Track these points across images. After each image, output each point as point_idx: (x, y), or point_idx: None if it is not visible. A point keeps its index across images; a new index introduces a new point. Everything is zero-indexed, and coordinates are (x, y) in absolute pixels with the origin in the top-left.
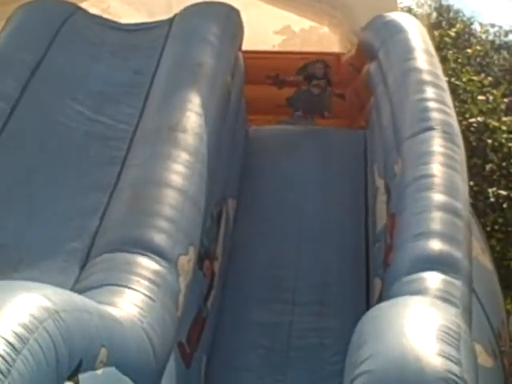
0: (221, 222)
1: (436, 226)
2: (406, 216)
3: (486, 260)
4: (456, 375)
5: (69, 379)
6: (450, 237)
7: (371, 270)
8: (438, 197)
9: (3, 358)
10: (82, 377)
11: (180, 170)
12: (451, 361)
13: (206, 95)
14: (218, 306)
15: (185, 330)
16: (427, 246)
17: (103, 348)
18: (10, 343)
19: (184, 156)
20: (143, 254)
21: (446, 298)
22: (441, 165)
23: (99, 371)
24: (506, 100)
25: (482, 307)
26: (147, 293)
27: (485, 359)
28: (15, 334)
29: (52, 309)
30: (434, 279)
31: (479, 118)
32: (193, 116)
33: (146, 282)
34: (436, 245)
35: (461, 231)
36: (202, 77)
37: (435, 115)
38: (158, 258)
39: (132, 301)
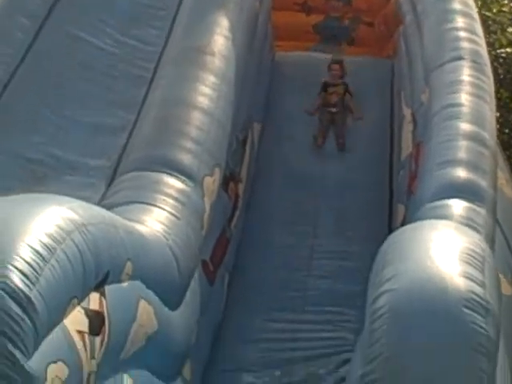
0: (246, 146)
1: (462, 154)
2: (432, 144)
3: (510, 191)
4: (479, 296)
5: (95, 290)
6: (475, 165)
7: (394, 197)
8: (464, 126)
9: (31, 266)
10: (108, 288)
11: (207, 92)
12: (475, 282)
13: (234, 19)
14: (241, 227)
15: (209, 248)
16: (452, 174)
17: (129, 262)
18: (38, 252)
19: (211, 78)
20: (169, 174)
21: (469, 224)
22: (469, 94)
23: (124, 284)
24: None
25: (505, 237)
26: (173, 211)
27: (506, 288)
28: (43, 244)
29: (79, 221)
30: (458, 206)
31: (508, 49)
32: (221, 39)
33: (171, 201)
34: (461, 173)
35: (487, 160)
36: (230, 1)
37: (465, 45)
38: (183, 178)
39: (158, 218)
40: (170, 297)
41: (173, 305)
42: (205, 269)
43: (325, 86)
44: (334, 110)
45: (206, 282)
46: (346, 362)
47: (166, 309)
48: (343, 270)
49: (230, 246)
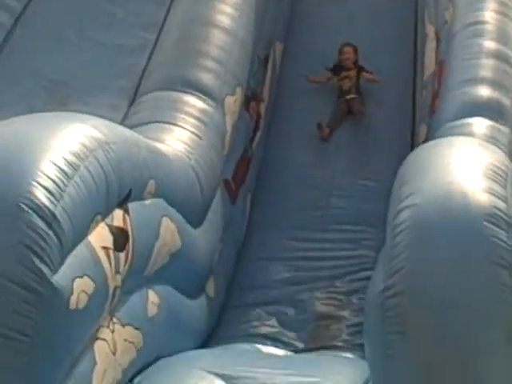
0: (268, 65)
1: (485, 72)
2: (455, 62)
3: None
4: (502, 211)
5: (118, 207)
6: (498, 83)
7: (417, 117)
8: (488, 43)
9: (55, 183)
10: (131, 205)
11: (228, 11)
12: (498, 197)
13: None
14: (263, 147)
15: (231, 168)
16: (475, 92)
17: (151, 180)
18: (61, 170)
19: None
20: (191, 93)
21: (492, 142)
22: (494, 12)
23: (147, 201)
24: None
25: None
26: (195, 131)
27: None
28: (66, 161)
29: (102, 139)
30: (480, 124)
31: None
32: None
33: (193, 121)
34: (484, 91)
35: (511, 79)
36: None
37: None
38: (205, 97)
39: (180, 138)
40: (193, 215)
41: (195, 223)
42: (227, 188)
43: (335, 70)
44: (348, 96)
45: (229, 200)
46: (369, 278)
47: (189, 227)
48: (365, 188)
49: (251, 165)
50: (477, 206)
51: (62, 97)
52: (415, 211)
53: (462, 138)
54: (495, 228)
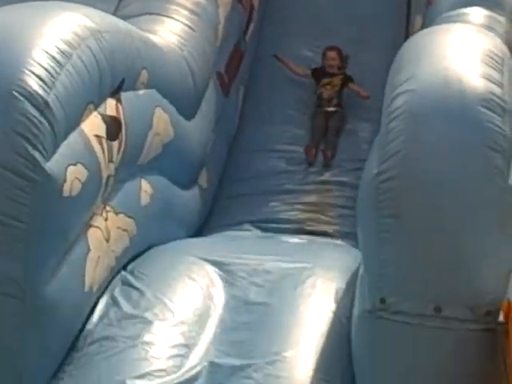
0: None
1: None
2: None
3: None
4: (497, 96)
5: (111, 96)
6: None
7: (412, 8)
8: None
9: (48, 71)
10: (124, 95)
11: None
12: (493, 83)
13: None
14: (256, 40)
15: (223, 60)
16: None
17: (144, 70)
18: (54, 58)
19: None
20: None
21: (488, 31)
22: None
23: (140, 92)
24: None
25: None
26: (187, 22)
27: None
28: (59, 49)
29: (94, 28)
30: (477, 14)
31: None
32: None
33: (186, 12)
34: None
35: None
36: None
37: None
38: None
39: (172, 30)
40: (186, 107)
41: (188, 115)
42: (220, 80)
43: (316, 75)
44: (329, 109)
45: (221, 93)
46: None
47: (182, 118)
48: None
49: (244, 58)
50: (472, 92)
51: None
52: (411, 96)
53: (458, 25)
54: (490, 113)
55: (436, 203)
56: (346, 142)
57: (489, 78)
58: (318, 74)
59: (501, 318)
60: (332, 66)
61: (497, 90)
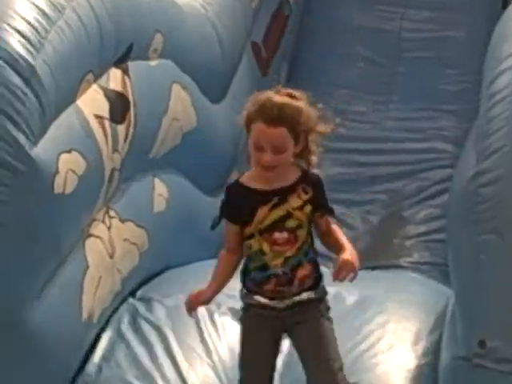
0: None
1: None
2: None
3: None
4: None
5: (116, 65)
6: None
7: None
8: None
9: (35, 28)
10: (132, 65)
11: None
12: None
13: None
14: (304, 3)
15: (261, 28)
16: None
17: (158, 34)
18: (42, 11)
19: None
20: None
21: None
22: None
23: (153, 62)
24: None
25: None
26: None
27: None
28: (49, 1)
29: None
30: None
31: None
32: None
33: None
34: None
35: None
36: None
37: None
38: None
39: None
40: (212, 85)
41: (215, 96)
42: (256, 53)
43: None
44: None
45: (258, 69)
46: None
47: (207, 100)
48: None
49: (288, 26)
50: None
51: None
52: None
53: None
54: None
55: None
56: None
57: None
58: None
59: None
60: None
61: None
